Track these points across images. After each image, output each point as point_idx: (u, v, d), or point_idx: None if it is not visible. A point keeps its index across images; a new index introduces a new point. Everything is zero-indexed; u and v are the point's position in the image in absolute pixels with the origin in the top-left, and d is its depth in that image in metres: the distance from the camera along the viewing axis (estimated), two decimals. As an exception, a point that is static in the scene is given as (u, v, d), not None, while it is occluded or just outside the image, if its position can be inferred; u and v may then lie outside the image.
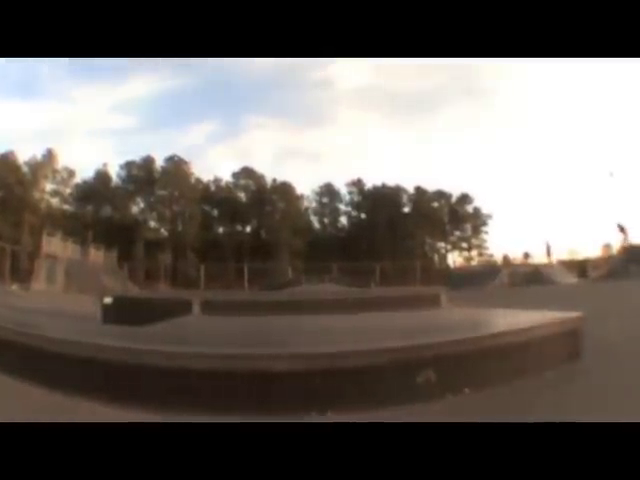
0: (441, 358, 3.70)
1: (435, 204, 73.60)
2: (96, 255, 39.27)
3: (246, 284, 41.03)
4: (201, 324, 7.41)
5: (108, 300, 8.85)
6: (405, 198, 73.77)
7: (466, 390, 3.70)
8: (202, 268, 43.59)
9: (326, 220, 74.39)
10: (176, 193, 67.19)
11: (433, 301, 8.96)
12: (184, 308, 8.17)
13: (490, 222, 72.46)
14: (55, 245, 32.83)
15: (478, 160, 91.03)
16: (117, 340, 4.66)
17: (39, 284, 27.78)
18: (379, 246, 63.09)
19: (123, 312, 8.00)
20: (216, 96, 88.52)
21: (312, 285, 25.57)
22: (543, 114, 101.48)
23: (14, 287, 26.24)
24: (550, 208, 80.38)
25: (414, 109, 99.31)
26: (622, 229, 34.99)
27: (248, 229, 70.41)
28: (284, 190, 70.78)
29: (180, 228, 66.24)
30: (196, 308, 8.24)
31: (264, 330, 6.36)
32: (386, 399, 3.40)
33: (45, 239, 32.53)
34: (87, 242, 39.36)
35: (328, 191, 73.76)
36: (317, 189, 73.91)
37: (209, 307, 8.47)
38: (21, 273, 33.77)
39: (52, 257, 30.81)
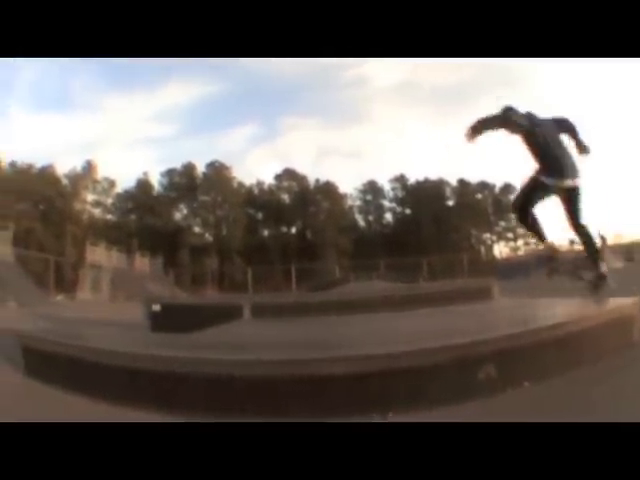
0: (499, 353, 3.63)
1: (479, 195, 72.80)
2: (142, 263, 40.10)
3: (294, 285, 41.24)
4: (253, 328, 7.44)
5: (157, 307, 8.65)
6: (448, 191, 73.30)
7: (526, 384, 3.63)
8: (249, 271, 43.98)
9: (371, 217, 74.49)
10: (219, 198, 68.11)
11: (485, 294, 8.83)
12: (235, 312, 8.20)
13: (534, 211, 71.36)
14: (99, 254, 33.69)
15: (519, 149, 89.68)
16: (169, 349, 4.67)
17: (84, 293, 28.63)
18: (425, 241, 62.74)
19: (173, 319, 7.91)
20: (252, 99, 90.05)
21: (360, 283, 25.43)
22: (582, 101, 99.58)
23: (59, 298, 26.87)
24: (593, 192, 78.74)
25: (451, 102, 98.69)
26: (602, 238, 36.00)
27: (293, 230, 70.97)
28: (327, 190, 71.03)
29: (225, 232, 66.99)
30: (247, 312, 8.28)
31: (317, 332, 6.34)
32: (444, 397, 3.35)
33: (89, 249, 33.41)
34: (132, 250, 40.08)
35: (371, 188, 73.82)
36: (360, 187, 74.12)
37: (259, 310, 8.51)
38: (66, 284, 34.61)
39: (96, 266, 31.61)
